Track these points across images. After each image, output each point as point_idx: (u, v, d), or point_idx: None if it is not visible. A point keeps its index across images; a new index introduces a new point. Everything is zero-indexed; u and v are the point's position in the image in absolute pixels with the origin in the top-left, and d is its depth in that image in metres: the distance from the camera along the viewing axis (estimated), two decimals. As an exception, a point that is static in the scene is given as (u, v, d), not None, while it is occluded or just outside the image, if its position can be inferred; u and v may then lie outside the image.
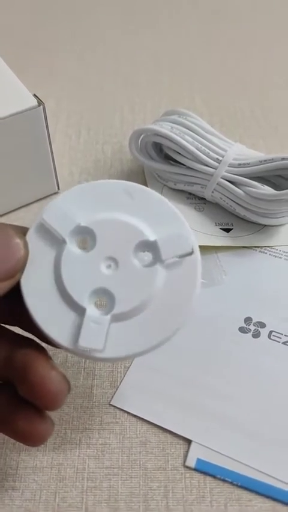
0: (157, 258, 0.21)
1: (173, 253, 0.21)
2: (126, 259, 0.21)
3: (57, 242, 0.22)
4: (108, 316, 0.21)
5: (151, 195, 0.22)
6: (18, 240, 0.20)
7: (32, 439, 0.22)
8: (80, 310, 0.21)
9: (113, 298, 0.21)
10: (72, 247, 0.22)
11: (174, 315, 0.21)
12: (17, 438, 0.22)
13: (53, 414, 0.27)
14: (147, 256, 0.22)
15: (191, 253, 0.21)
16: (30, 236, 0.22)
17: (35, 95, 0.32)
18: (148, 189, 0.23)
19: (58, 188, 0.39)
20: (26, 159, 0.34)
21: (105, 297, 0.21)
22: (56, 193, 0.39)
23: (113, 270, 0.21)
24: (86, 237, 0.22)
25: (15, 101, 0.32)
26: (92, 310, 0.21)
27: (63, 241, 0.22)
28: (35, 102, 0.32)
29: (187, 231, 0.22)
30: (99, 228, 0.22)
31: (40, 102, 0.32)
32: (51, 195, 0.39)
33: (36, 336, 0.23)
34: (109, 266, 0.21)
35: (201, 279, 0.22)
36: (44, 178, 0.37)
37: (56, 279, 0.21)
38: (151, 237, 0.21)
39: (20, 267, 0.21)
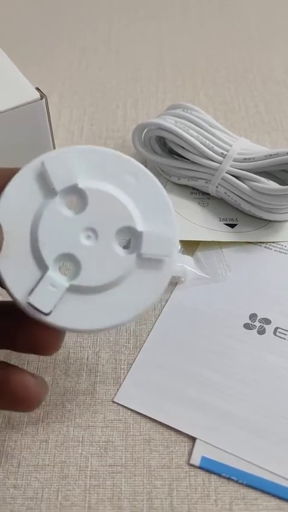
0: (136, 249, 0.21)
1: (152, 251, 0.21)
2: (107, 236, 0.21)
3: (47, 192, 0.21)
4: (67, 284, 0.20)
5: (155, 185, 0.22)
6: None
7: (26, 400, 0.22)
8: (43, 269, 0.20)
9: (79, 269, 0.21)
10: (59, 204, 0.21)
11: (126, 310, 0.21)
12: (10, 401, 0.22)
13: (55, 411, 0.27)
14: (127, 242, 0.21)
15: (169, 258, 0.21)
16: (22, 174, 0.21)
17: (37, 89, 0.32)
18: (155, 179, 0.22)
19: None
20: (28, 153, 0.34)
21: (72, 265, 0.21)
22: None
23: (90, 242, 0.21)
24: (77, 199, 0.21)
25: (17, 94, 0.31)
26: (54, 273, 0.20)
27: (54, 194, 0.21)
28: (37, 95, 0.31)
29: (174, 235, 0.21)
30: (94, 196, 0.21)
31: (43, 95, 0.32)
32: None
33: None
34: (88, 237, 0.21)
35: (166, 285, 0.21)
36: None
37: (32, 229, 0.21)
38: (139, 226, 0.21)
39: None
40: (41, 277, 0.20)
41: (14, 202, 0.21)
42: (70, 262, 0.21)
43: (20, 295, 0.20)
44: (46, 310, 0.20)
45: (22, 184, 0.21)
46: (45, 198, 0.21)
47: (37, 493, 0.25)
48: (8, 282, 0.20)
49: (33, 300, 0.20)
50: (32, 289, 0.20)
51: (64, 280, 0.21)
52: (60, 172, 0.21)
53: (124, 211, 0.21)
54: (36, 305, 0.20)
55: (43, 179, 0.21)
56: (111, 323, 0.21)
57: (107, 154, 0.22)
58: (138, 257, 0.21)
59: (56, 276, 0.20)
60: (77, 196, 0.21)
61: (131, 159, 0.22)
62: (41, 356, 0.29)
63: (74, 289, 0.21)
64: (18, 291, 0.20)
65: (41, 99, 0.31)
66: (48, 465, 0.26)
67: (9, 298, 0.21)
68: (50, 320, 0.20)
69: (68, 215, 0.21)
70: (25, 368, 0.29)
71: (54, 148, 0.35)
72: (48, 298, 0.20)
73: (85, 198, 0.21)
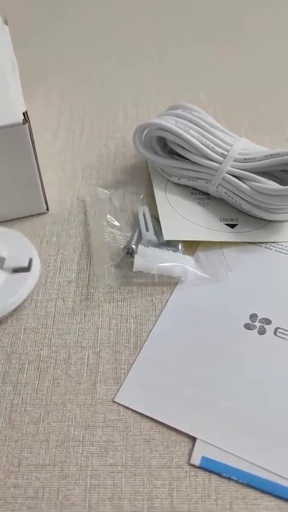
0: (1, 266, 0.32)
1: (12, 265, 0.31)
2: None
3: None
4: None
5: (16, 235, 0.34)
6: None
7: None
8: None
9: None
10: None
11: None
12: None
13: (56, 411, 0.27)
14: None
15: (27, 269, 0.31)
16: None
17: (24, 114, 0.31)
18: (13, 231, 0.34)
19: (47, 209, 0.37)
20: (10, 174, 0.34)
21: None
22: (44, 213, 0.37)
23: None
24: None
25: (1, 114, 0.31)
26: None
27: None
28: (20, 119, 0.31)
29: (32, 255, 0.32)
30: None
31: (26, 121, 0.31)
32: (38, 214, 0.37)
33: None
34: None
35: (29, 291, 0.31)
36: (29, 196, 0.36)
37: None
38: (3, 253, 0.32)
39: None
40: None
41: None
42: None
43: None
44: None
45: None
46: None
47: (37, 493, 0.25)
48: None
49: None
50: None
51: None
52: None
53: None
54: None
55: None
56: None
57: None
58: (5, 271, 0.31)
59: None
60: None
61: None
62: (42, 357, 0.29)
63: None
64: None
65: (24, 124, 0.31)
66: (48, 464, 0.26)
67: None
68: None
69: None
70: (26, 367, 0.29)
71: (39, 173, 0.35)
72: None
73: None
